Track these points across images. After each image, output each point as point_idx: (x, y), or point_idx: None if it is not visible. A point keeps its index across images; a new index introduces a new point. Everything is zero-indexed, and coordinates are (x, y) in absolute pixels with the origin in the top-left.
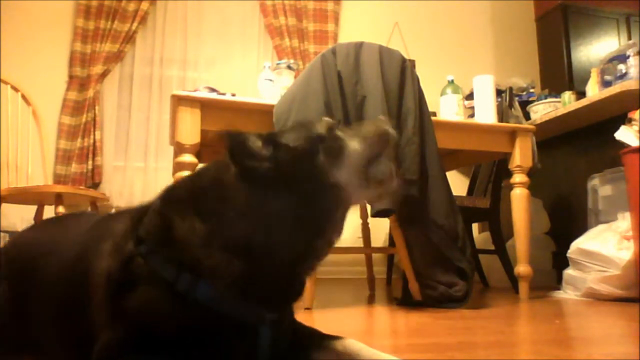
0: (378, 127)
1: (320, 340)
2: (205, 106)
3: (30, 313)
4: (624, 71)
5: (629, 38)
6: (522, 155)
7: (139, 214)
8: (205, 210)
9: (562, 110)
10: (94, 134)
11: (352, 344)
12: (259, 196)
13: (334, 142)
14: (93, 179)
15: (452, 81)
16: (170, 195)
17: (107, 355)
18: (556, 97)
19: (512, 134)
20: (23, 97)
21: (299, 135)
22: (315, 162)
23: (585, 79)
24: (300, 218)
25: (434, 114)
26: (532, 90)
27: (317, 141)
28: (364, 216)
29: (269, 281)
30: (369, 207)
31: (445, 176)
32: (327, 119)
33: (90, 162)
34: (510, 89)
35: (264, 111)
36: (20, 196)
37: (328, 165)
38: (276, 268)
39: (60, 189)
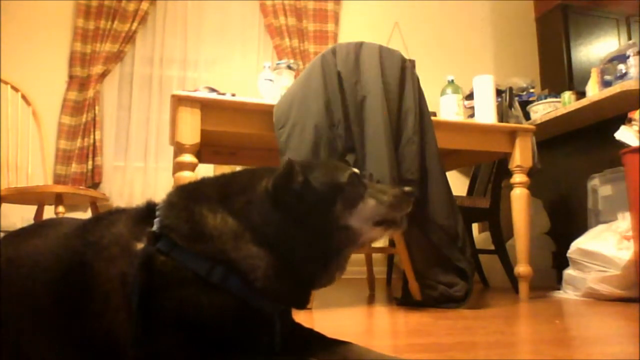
0: (399, 195)
1: (326, 344)
2: (205, 106)
3: (15, 328)
4: (624, 71)
5: (629, 38)
6: (522, 155)
7: (140, 214)
8: (235, 210)
9: (562, 110)
10: (94, 134)
11: (358, 347)
12: (281, 219)
13: (353, 193)
14: (93, 179)
15: (452, 81)
16: (196, 193)
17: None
18: (556, 97)
19: (512, 134)
20: (23, 97)
21: (325, 179)
22: (332, 209)
23: (585, 79)
24: (310, 248)
25: (434, 114)
26: (532, 90)
27: (338, 191)
28: None
29: (287, 280)
30: None
31: (445, 176)
32: (354, 169)
33: (90, 162)
34: (510, 89)
35: (264, 111)
36: (20, 196)
37: (343, 212)
38: (294, 272)
39: (60, 189)
